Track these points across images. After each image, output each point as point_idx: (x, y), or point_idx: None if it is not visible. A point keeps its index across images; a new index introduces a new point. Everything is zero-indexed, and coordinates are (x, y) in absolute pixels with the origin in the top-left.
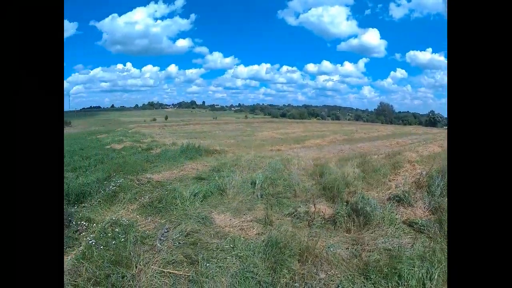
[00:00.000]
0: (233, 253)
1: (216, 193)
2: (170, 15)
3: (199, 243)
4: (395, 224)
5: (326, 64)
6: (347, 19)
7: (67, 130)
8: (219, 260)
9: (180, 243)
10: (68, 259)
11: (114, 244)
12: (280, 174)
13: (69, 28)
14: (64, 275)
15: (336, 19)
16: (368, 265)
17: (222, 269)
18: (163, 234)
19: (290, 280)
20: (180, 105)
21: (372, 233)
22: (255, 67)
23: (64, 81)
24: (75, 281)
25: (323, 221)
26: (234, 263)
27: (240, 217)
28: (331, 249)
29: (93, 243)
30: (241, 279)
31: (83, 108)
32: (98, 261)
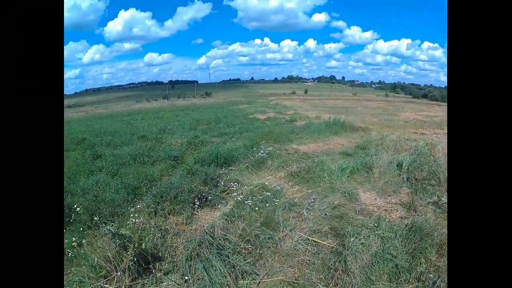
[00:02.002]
0: (376, 232)
1: (362, 171)
2: None
3: (344, 217)
4: None
5: None
6: None
7: (208, 100)
8: (362, 237)
9: (326, 214)
10: (217, 215)
11: (266, 206)
12: (425, 159)
13: (204, 8)
14: (214, 229)
15: None
16: None
17: (364, 246)
18: (310, 203)
19: (425, 269)
20: (320, 79)
21: None
22: (395, 42)
23: (204, 56)
24: (226, 236)
25: None
26: (375, 243)
27: (385, 198)
28: None
29: (249, 204)
30: (380, 259)
31: (222, 80)
32: (249, 220)
